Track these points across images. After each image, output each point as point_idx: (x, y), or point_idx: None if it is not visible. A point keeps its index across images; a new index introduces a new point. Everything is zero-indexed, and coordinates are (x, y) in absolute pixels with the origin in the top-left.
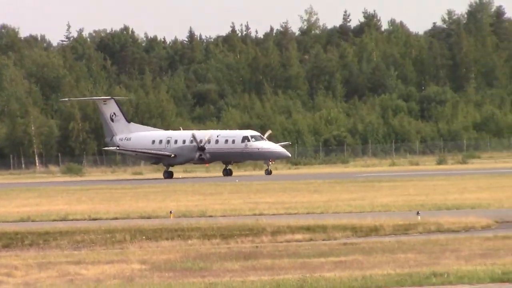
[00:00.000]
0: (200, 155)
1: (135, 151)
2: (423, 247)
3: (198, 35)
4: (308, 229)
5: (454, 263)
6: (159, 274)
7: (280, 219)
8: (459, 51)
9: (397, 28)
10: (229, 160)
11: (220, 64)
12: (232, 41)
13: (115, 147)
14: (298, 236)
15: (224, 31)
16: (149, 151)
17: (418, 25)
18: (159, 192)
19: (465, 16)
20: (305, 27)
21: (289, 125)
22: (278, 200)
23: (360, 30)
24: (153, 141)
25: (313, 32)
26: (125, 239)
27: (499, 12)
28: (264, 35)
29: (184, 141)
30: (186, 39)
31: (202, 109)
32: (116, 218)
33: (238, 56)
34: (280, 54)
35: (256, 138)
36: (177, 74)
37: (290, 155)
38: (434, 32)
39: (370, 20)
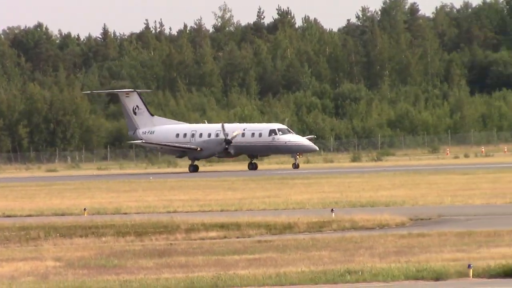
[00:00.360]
0: (226, 149)
1: (160, 144)
2: (337, 245)
3: (112, 32)
4: (222, 226)
5: (369, 260)
6: (73, 271)
7: (194, 216)
8: (373, 48)
9: (311, 25)
10: (255, 153)
11: (134, 61)
12: (146, 38)
13: (138, 141)
14: (212, 234)
15: (138, 28)
16: (174, 144)
17: (332, 22)
18: (73, 190)
19: (379, 13)
20: (219, 24)
21: (203, 122)
22: (192, 198)
23: (274, 27)
24: (177, 135)
25: (227, 29)
26: (39, 236)
27: (413, 9)
28: (178, 32)
29: (209, 135)
30: (100, 36)
31: (116, 106)
32: (30, 215)
33: (152, 53)
34: (194, 51)
35: (283, 132)
36: (91, 71)
37: (317, 149)
38: (348, 29)
39: (284, 17)
